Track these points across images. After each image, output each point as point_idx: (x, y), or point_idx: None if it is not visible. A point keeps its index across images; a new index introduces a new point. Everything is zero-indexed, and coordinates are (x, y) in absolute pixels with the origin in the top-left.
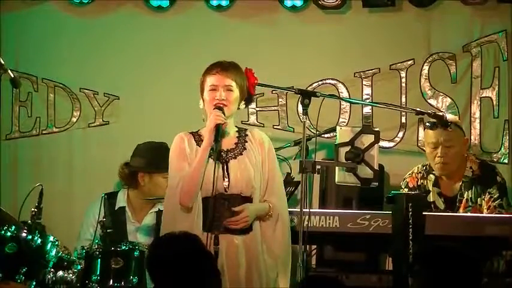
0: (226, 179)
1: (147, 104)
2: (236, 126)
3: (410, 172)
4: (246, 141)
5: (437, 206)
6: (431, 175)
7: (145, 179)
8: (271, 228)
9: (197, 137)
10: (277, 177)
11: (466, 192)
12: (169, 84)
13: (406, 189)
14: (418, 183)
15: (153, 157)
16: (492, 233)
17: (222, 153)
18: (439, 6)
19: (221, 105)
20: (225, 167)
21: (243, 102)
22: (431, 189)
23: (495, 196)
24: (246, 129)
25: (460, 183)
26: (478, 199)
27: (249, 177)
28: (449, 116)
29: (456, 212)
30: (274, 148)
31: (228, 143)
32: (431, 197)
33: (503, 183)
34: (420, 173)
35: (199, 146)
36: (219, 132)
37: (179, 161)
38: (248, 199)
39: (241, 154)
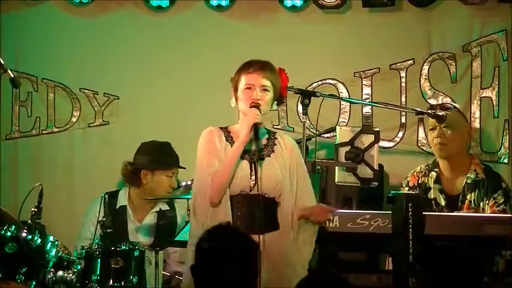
0: (253, 178)
1: (147, 104)
2: (265, 128)
3: (412, 171)
4: (275, 144)
5: (439, 203)
6: (433, 172)
7: (148, 177)
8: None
9: (226, 134)
10: (309, 180)
11: (469, 194)
12: (169, 84)
13: (406, 188)
14: (419, 182)
15: (156, 155)
16: (492, 233)
17: (251, 153)
18: (439, 6)
19: (257, 104)
20: (253, 166)
21: (275, 103)
22: (432, 186)
23: (500, 202)
24: (275, 133)
25: (463, 184)
26: (481, 203)
27: (276, 180)
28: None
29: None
30: None
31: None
32: (432, 194)
33: (508, 190)
34: (422, 171)
35: (229, 143)
36: (257, 131)
37: (210, 157)
38: (271, 201)
39: (269, 156)
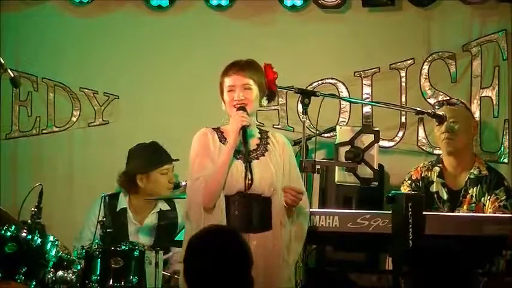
0: (249, 178)
1: (147, 104)
2: (257, 128)
3: (415, 166)
4: (268, 143)
5: (441, 197)
6: (436, 167)
7: (143, 180)
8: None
9: (219, 134)
10: (299, 176)
11: (472, 189)
12: (169, 84)
13: (409, 182)
14: (422, 175)
15: (146, 157)
16: (492, 233)
17: (245, 153)
18: (439, 6)
19: (243, 105)
20: (248, 167)
21: (265, 98)
22: (435, 180)
23: (501, 198)
24: (267, 131)
25: (466, 179)
26: (483, 198)
27: (271, 179)
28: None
29: (459, 207)
30: None
31: (250, 143)
32: (434, 188)
33: (509, 188)
34: (425, 166)
35: (223, 144)
36: (246, 133)
37: (203, 158)
38: (267, 200)
39: (264, 155)
